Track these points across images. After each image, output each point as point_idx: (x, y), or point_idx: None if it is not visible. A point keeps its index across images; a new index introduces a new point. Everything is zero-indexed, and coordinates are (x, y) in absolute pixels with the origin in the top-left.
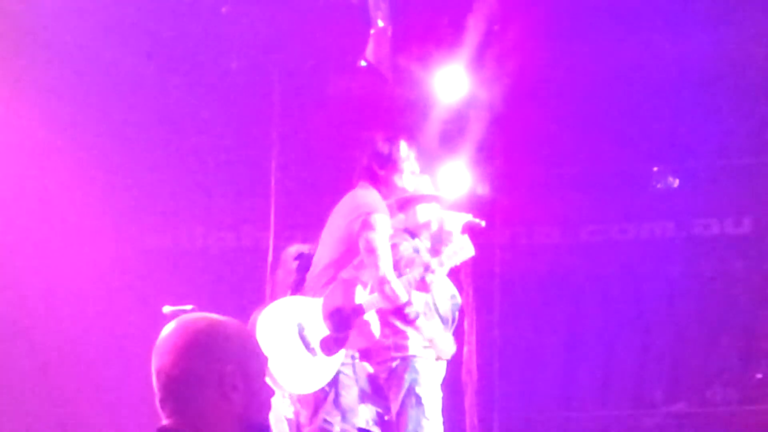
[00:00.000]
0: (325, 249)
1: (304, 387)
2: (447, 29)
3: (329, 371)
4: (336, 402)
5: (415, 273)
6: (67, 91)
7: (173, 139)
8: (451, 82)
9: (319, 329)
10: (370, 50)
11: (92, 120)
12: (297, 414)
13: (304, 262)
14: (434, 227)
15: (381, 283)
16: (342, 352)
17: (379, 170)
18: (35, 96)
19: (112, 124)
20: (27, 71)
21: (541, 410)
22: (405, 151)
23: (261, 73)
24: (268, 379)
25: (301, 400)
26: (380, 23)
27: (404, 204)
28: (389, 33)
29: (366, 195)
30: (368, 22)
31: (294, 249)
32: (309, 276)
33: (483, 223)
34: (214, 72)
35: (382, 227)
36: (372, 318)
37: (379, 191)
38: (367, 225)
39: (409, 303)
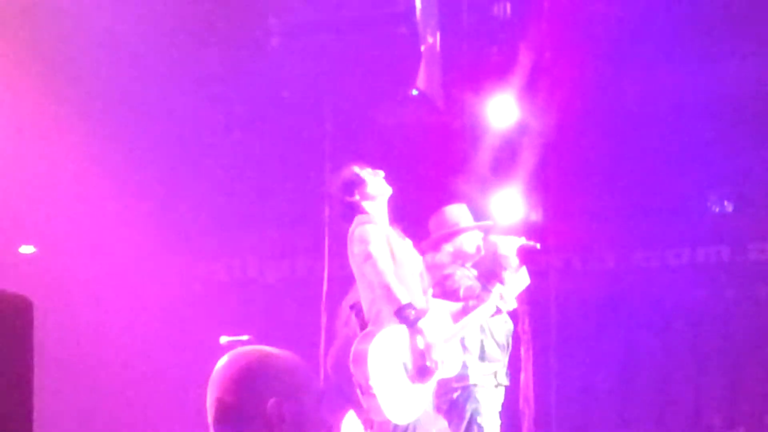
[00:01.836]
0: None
1: (406, 416)
2: (498, 57)
3: (424, 400)
4: None
5: (481, 304)
6: (125, 129)
7: (228, 169)
8: (503, 110)
9: (417, 356)
10: (421, 79)
11: (149, 153)
12: None
13: (358, 310)
14: (482, 253)
15: (382, 287)
16: (433, 381)
17: (348, 198)
18: (91, 136)
19: (170, 156)
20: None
21: None
22: (364, 174)
23: (313, 103)
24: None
25: (377, 430)
26: (431, 48)
27: (447, 237)
28: (439, 61)
29: (353, 226)
30: (419, 51)
31: (348, 301)
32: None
33: (538, 246)
34: (267, 102)
35: (375, 236)
36: (453, 349)
37: (360, 215)
38: (358, 240)
39: (410, 305)
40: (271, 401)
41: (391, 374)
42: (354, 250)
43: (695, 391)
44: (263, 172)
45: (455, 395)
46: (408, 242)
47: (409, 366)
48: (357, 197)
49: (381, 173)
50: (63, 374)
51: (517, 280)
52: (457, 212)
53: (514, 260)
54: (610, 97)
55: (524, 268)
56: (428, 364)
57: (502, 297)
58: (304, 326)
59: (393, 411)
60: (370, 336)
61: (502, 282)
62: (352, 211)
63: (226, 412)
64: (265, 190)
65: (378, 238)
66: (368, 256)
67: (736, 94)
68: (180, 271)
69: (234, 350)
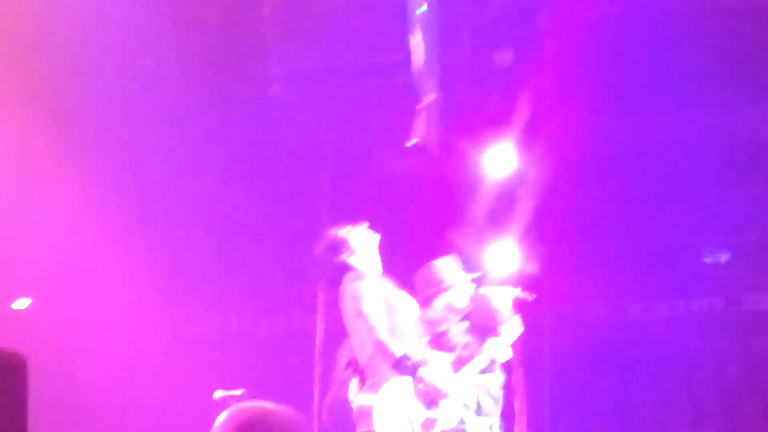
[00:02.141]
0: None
1: None
2: (496, 106)
3: None
4: None
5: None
6: (121, 177)
7: (222, 220)
8: (500, 159)
9: (419, 409)
10: (418, 128)
11: (146, 203)
12: None
13: (354, 367)
14: (469, 306)
15: (375, 344)
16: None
17: (335, 260)
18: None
19: (167, 207)
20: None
21: None
22: (344, 232)
23: (311, 151)
24: None
25: None
26: (430, 98)
27: (435, 294)
28: (437, 110)
29: (344, 282)
30: (416, 102)
31: (343, 355)
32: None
33: (532, 297)
34: (265, 149)
35: (366, 293)
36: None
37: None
38: (350, 297)
39: (405, 356)
40: None
41: (395, 427)
42: (346, 308)
43: None
44: (259, 222)
45: None
46: (403, 293)
47: (414, 420)
48: (343, 256)
49: (364, 224)
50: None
51: (510, 330)
52: (444, 267)
53: (507, 312)
54: (607, 147)
55: (518, 317)
56: (432, 414)
57: (496, 349)
58: (298, 380)
59: None
60: (374, 388)
61: (496, 334)
62: (341, 270)
63: None
64: (261, 242)
65: (369, 294)
66: (359, 313)
67: (733, 145)
68: (175, 323)
69: (232, 407)
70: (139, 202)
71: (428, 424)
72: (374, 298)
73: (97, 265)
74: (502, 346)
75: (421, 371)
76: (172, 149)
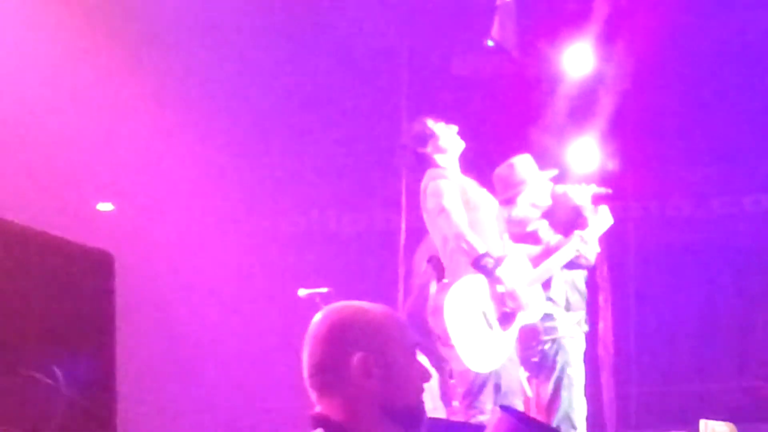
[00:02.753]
0: (437, 241)
1: (488, 365)
2: (573, 5)
3: (507, 348)
4: (496, 385)
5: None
6: (202, 83)
7: (304, 121)
8: (579, 58)
9: (496, 304)
10: (496, 29)
11: (227, 106)
12: (450, 395)
13: (435, 263)
14: (549, 202)
15: (457, 239)
16: (515, 327)
17: (420, 149)
18: (164, 88)
19: (247, 109)
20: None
21: (678, 383)
22: (438, 127)
23: (390, 54)
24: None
25: (458, 379)
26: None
27: (514, 196)
28: (515, 9)
29: (425, 180)
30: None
31: (422, 254)
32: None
33: (608, 192)
34: (344, 53)
35: (447, 190)
36: (535, 296)
37: (432, 168)
38: (432, 194)
39: (486, 254)
40: (357, 356)
41: (469, 324)
42: (428, 205)
43: None
44: (340, 123)
45: (546, 347)
46: (484, 190)
47: (489, 314)
48: (429, 149)
49: (454, 128)
50: (143, 327)
51: (598, 222)
52: (521, 165)
53: (589, 208)
54: (687, 44)
55: (605, 207)
56: (508, 310)
57: (583, 240)
58: (381, 279)
59: (473, 360)
60: (447, 286)
61: (582, 228)
62: (423, 163)
63: (315, 367)
64: (342, 142)
65: (451, 192)
66: (442, 210)
67: None
68: (258, 224)
69: (329, 306)
70: (220, 106)
71: (506, 319)
72: (456, 194)
73: (181, 169)
74: (589, 238)
75: (499, 272)
76: (250, 54)
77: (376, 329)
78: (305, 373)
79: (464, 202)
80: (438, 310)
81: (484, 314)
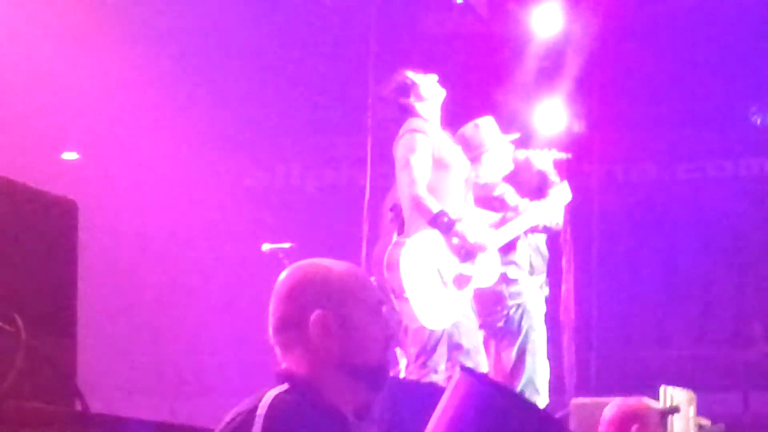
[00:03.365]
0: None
1: (440, 322)
2: None
3: (462, 306)
4: (451, 344)
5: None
6: (170, 35)
7: (270, 78)
8: (547, 18)
9: (452, 263)
10: None
11: (193, 60)
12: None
13: (397, 212)
14: (511, 166)
15: (412, 199)
16: (471, 287)
17: (402, 99)
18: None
19: (214, 64)
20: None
21: (638, 348)
22: (418, 77)
23: (357, 10)
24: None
25: (411, 338)
26: None
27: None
28: None
29: (403, 128)
30: None
31: (388, 204)
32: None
33: (568, 156)
34: (311, 10)
35: (419, 146)
36: (491, 259)
37: (412, 117)
38: (403, 145)
39: (442, 212)
40: (315, 313)
41: (424, 280)
42: (398, 153)
43: (736, 302)
44: (306, 80)
45: (511, 312)
46: (459, 149)
47: (445, 272)
48: (411, 99)
49: (434, 76)
50: (106, 276)
51: (558, 195)
52: (483, 128)
53: (553, 174)
54: (654, 6)
55: (565, 183)
56: (474, 254)
57: (540, 213)
58: (345, 235)
59: (426, 316)
60: (403, 241)
61: (544, 196)
62: (405, 112)
63: (278, 323)
64: (308, 99)
65: (422, 148)
66: (407, 164)
67: None
68: (222, 177)
69: (294, 264)
70: (187, 60)
71: (462, 280)
72: (426, 152)
73: (146, 120)
74: (547, 211)
75: (457, 226)
76: (218, 9)
77: (337, 287)
78: (270, 330)
79: (436, 159)
80: (394, 265)
81: (439, 271)
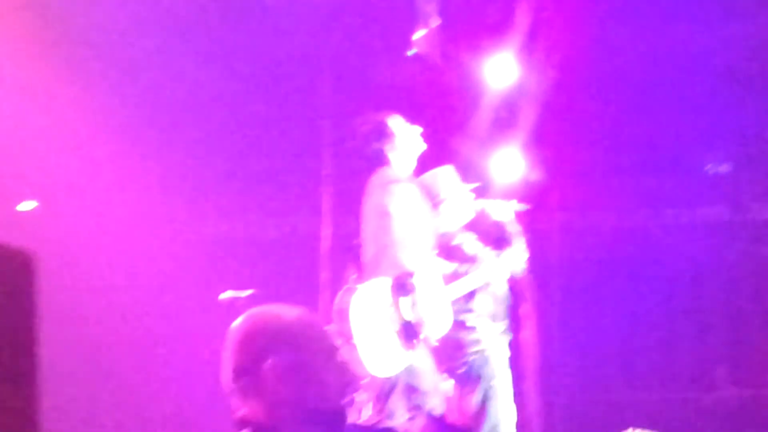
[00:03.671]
0: (368, 233)
1: (388, 369)
2: (496, 16)
3: (411, 355)
4: (408, 386)
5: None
6: (123, 83)
7: (226, 128)
8: (501, 69)
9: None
10: (418, 38)
11: (148, 110)
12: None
13: (355, 252)
14: (471, 216)
15: (392, 249)
16: (421, 338)
17: (375, 145)
18: (86, 89)
19: (169, 114)
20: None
21: (603, 392)
22: (397, 123)
23: (311, 59)
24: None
25: (368, 383)
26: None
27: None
28: (437, 19)
29: (378, 176)
30: (416, 10)
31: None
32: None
33: (527, 207)
34: (264, 58)
35: (400, 196)
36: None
37: (384, 167)
38: (383, 191)
39: (411, 274)
40: (269, 361)
41: (373, 327)
42: (373, 200)
43: (698, 348)
44: (262, 130)
45: (471, 359)
46: (425, 201)
47: (394, 320)
48: (386, 146)
49: (418, 128)
50: (67, 330)
51: (514, 254)
52: (441, 178)
53: (512, 224)
54: (609, 55)
55: (522, 241)
56: (413, 320)
57: (494, 271)
58: (303, 284)
59: (373, 364)
60: (354, 288)
61: (508, 245)
62: (376, 160)
63: (234, 372)
64: (264, 149)
65: (402, 199)
66: (385, 213)
67: (736, 54)
68: (181, 228)
69: (247, 312)
70: (141, 109)
71: (409, 331)
72: (404, 204)
73: (102, 171)
74: (498, 271)
75: (414, 294)
76: (173, 58)
77: (290, 334)
78: (227, 378)
79: (410, 212)
80: (343, 311)
81: (390, 319)
